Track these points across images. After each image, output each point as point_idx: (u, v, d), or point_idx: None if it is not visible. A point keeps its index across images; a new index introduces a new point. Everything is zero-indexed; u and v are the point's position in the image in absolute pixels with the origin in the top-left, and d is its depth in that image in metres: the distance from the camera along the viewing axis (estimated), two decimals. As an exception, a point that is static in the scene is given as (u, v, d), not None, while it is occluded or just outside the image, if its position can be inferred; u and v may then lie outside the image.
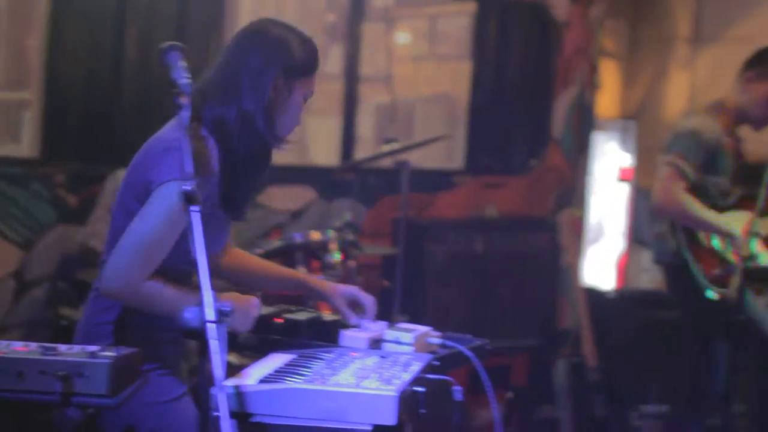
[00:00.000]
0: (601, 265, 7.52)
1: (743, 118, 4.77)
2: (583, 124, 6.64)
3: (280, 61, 2.86)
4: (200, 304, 2.24)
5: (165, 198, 2.69)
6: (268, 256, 4.23)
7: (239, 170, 2.84)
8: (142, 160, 2.82)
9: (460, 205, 6.13)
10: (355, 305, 3.18)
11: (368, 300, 3.18)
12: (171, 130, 2.81)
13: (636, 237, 7.36)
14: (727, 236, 4.50)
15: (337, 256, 4.52)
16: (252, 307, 2.93)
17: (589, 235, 7.34)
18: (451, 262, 5.66)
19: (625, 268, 7.47)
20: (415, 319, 4.25)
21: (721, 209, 4.63)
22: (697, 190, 4.60)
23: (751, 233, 3.99)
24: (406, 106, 6.39)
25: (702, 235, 4.57)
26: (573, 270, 5.97)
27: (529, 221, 6.27)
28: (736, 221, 4.52)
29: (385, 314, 3.38)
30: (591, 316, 5.79)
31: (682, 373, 4.97)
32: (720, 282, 4.51)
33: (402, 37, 6.45)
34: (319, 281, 3.30)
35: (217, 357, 2.22)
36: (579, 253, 6.57)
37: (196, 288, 2.28)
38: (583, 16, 6.57)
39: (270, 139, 2.88)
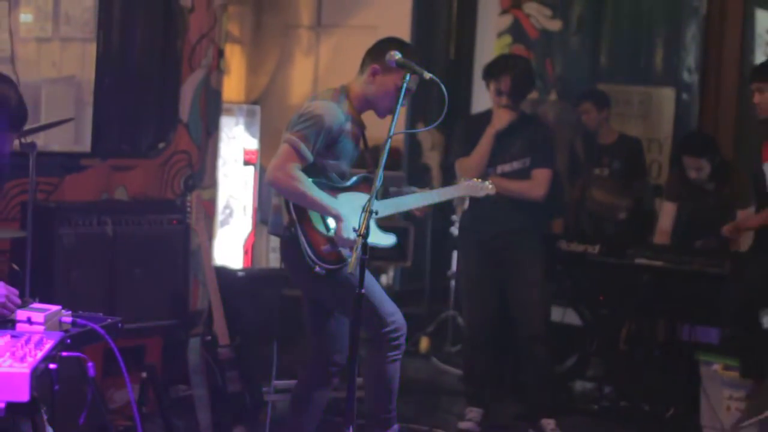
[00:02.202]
0: (231, 246, 7.69)
1: (368, 106, 4.90)
2: (211, 107, 6.73)
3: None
4: None
5: None
6: None
7: None
8: None
9: (89, 188, 6.08)
10: None
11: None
12: None
13: (262, 218, 7.57)
14: (334, 217, 4.67)
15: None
16: None
17: (219, 217, 7.49)
18: (81, 245, 5.61)
19: (253, 248, 7.68)
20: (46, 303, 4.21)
21: (340, 190, 4.83)
22: (317, 171, 4.73)
23: (368, 212, 4.18)
24: (31, 88, 6.26)
25: (313, 213, 4.71)
26: (204, 251, 6.06)
27: (158, 204, 6.29)
28: (351, 202, 4.73)
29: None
30: (222, 295, 5.90)
31: (307, 345, 5.14)
32: (328, 258, 4.70)
33: (25, 17, 6.32)
34: None
35: None
36: (209, 234, 6.68)
37: None
38: (208, 1, 6.65)
39: None
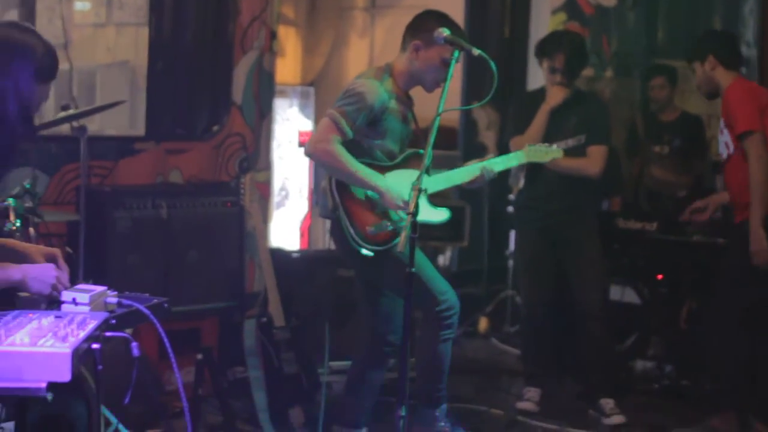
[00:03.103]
0: (287, 228, 7.71)
1: (414, 82, 4.87)
2: (264, 90, 6.74)
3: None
4: None
5: None
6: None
7: None
8: None
9: (144, 171, 6.12)
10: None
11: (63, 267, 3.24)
12: None
13: (317, 200, 7.58)
14: (375, 191, 4.64)
15: (16, 224, 4.44)
16: (47, 270, 3.08)
17: (275, 199, 7.51)
18: (136, 229, 5.64)
19: (309, 230, 7.68)
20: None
21: (388, 169, 4.80)
22: (362, 152, 4.72)
23: (418, 190, 4.13)
24: (86, 74, 6.31)
25: (359, 191, 4.69)
26: (259, 233, 6.06)
27: (213, 186, 6.32)
28: (399, 178, 4.70)
29: (71, 281, 3.40)
30: (277, 277, 5.91)
31: (362, 326, 5.13)
32: (373, 240, 4.67)
33: (79, 4, 6.36)
34: (19, 243, 3.35)
35: None
36: (265, 216, 6.69)
37: None
38: (260, -17, 6.66)
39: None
